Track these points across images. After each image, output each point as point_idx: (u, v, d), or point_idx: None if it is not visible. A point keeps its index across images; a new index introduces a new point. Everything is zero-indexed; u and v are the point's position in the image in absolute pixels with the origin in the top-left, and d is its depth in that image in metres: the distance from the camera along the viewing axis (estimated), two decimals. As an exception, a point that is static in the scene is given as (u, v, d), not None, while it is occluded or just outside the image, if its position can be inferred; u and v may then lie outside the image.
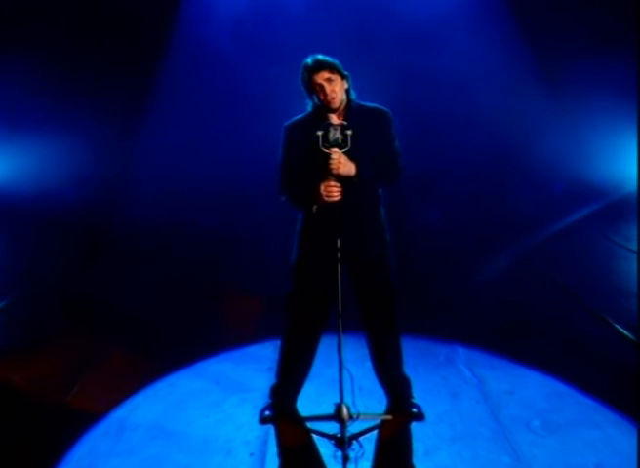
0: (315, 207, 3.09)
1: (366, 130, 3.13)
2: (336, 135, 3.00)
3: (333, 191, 2.99)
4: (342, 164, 2.99)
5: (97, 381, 3.97)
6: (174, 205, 5.54)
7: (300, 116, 3.25)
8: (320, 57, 3.13)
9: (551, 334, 4.28)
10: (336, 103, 3.10)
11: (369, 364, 3.36)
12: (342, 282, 2.99)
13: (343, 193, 3.02)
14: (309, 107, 3.23)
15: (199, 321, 4.83)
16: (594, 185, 5.26)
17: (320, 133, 3.00)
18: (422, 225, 5.44)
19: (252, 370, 4.06)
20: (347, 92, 3.17)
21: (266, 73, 5.09)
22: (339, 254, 3.00)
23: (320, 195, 3.02)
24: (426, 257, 5.45)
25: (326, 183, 3.01)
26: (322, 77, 3.07)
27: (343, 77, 3.13)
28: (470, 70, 5.20)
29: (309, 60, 3.12)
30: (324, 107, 3.12)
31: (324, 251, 3.07)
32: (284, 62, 4.89)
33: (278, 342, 3.40)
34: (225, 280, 5.59)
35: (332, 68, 3.09)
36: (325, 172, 3.00)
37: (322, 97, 3.09)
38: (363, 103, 3.24)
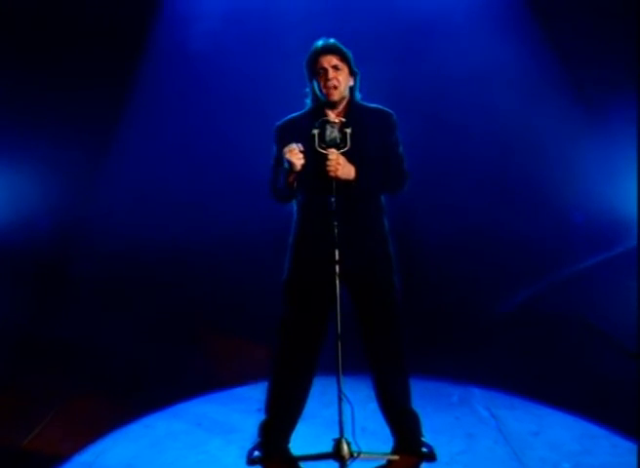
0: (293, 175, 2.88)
1: (367, 130, 2.95)
2: (333, 133, 2.82)
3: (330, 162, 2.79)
4: (341, 166, 2.80)
5: (59, 424, 3.68)
6: (152, 234, 5.21)
7: (294, 114, 3.08)
8: (332, 40, 2.98)
9: (579, 375, 4.03)
10: (335, 95, 2.92)
11: (373, 405, 3.08)
12: (342, 302, 2.78)
13: (342, 200, 2.82)
14: (307, 104, 3.06)
15: (180, 361, 4.56)
16: (623, 219, 5.04)
17: (316, 131, 2.82)
18: (429, 245, 5.14)
19: (239, 411, 3.79)
20: (352, 90, 3.01)
21: (257, 79, 4.91)
22: (337, 268, 2.78)
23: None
24: (434, 284, 5.12)
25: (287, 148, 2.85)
26: (329, 61, 2.90)
27: (352, 72, 2.98)
28: (487, 77, 4.98)
29: (320, 42, 2.96)
30: (322, 102, 2.96)
31: (320, 264, 2.85)
32: (277, 67, 4.76)
33: (265, 385, 3.11)
34: (209, 317, 5.30)
35: (342, 56, 2.93)
36: (321, 174, 2.80)
37: (322, 83, 2.91)
38: (366, 104, 3.08)
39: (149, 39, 5.19)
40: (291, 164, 2.83)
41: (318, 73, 2.95)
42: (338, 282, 2.81)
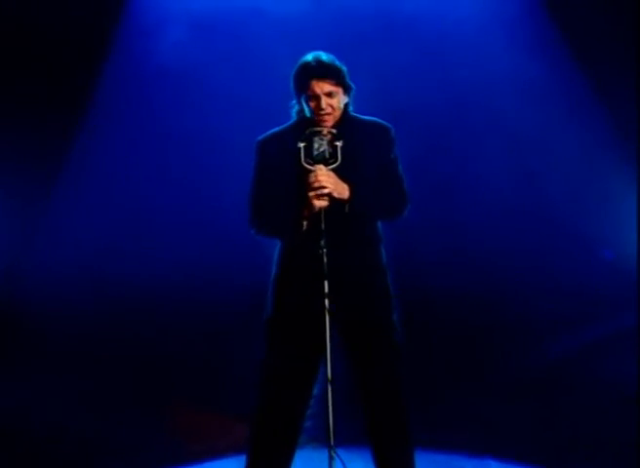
0: (305, 223, 2.65)
1: (362, 145, 2.78)
2: (322, 146, 2.63)
3: (322, 181, 2.56)
4: (333, 182, 2.58)
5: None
6: (106, 289, 4.78)
7: (278, 128, 2.90)
8: (326, 58, 2.76)
9: (612, 450, 3.77)
10: (329, 121, 2.73)
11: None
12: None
13: (333, 225, 2.60)
14: (293, 117, 2.90)
15: (142, 433, 4.27)
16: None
17: (302, 144, 2.65)
18: (434, 283, 4.69)
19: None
20: (345, 106, 2.82)
21: (234, 98, 4.61)
22: (327, 302, 2.55)
23: (308, 197, 2.58)
24: (441, 334, 4.69)
25: (314, 173, 2.59)
26: (323, 88, 2.69)
27: (346, 89, 2.79)
28: (509, 95, 4.69)
29: (312, 61, 2.74)
30: (312, 119, 2.76)
31: (307, 299, 2.65)
32: (257, 82, 4.58)
33: (244, 457, 2.85)
34: (176, 386, 4.83)
35: (338, 79, 2.73)
36: (305, 201, 2.60)
37: (315, 111, 2.73)
38: (360, 116, 2.91)
39: (108, 56, 4.83)
40: (311, 204, 2.60)
41: (309, 97, 2.75)
42: (327, 318, 2.55)
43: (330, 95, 2.71)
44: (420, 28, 4.71)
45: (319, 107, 2.70)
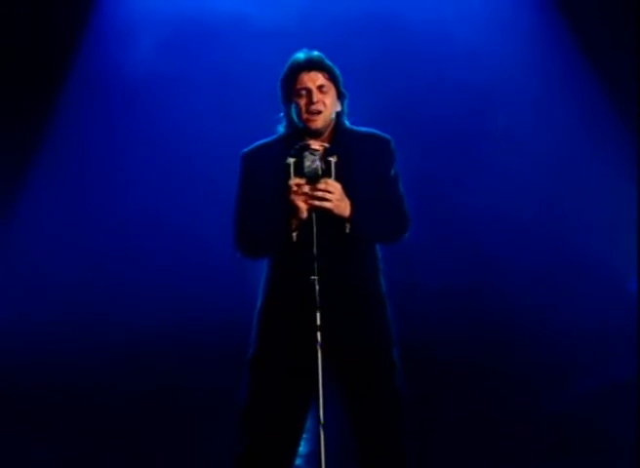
0: (295, 234, 2.46)
1: (358, 160, 2.59)
2: (314, 162, 2.41)
3: (321, 187, 2.37)
4: (339, 196, 2.40)
5: None
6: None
7: (264, 140, 2.71)
8: (316, 53, 2.63)
9: None
10: (318, 122, 2.54)
11: None
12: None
13: (326, 248, 2.42)
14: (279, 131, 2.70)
15: None
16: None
17: (292, 160, 2.43)
18: (439, 315, 4.38)
19: None
20: (338, 116, 2.65)
21: (211, 115, 4.37)
22: (319, 335, 2.36)
23: (297, 205, 2.39)
24: (447, 372, 4.38)
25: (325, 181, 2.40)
26: (313, 80, 2.54)
27: (339, 95, 2.63)
28: (513, 101, 4.50)
29: (301, 55, 2.61)
30: (300, 128, 2.58)
31: (297, 333, 2.46)
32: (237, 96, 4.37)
33: None
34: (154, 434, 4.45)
35: (330, 73, 2.58)
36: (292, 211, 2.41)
37: (302, 108, 2.54)
38: (356, 128, 2.72)
39: (73, 65, 4.56)
40: (296, 209, 2.41)
41: (298, 94, 2.57)
42: (320, 354, 2.35)
43: (321, 89, 2.55)
44: (419, 33, 4.54)
45: (310, 102, 2.53)
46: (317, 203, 2.38)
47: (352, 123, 2.72)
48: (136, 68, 4.53)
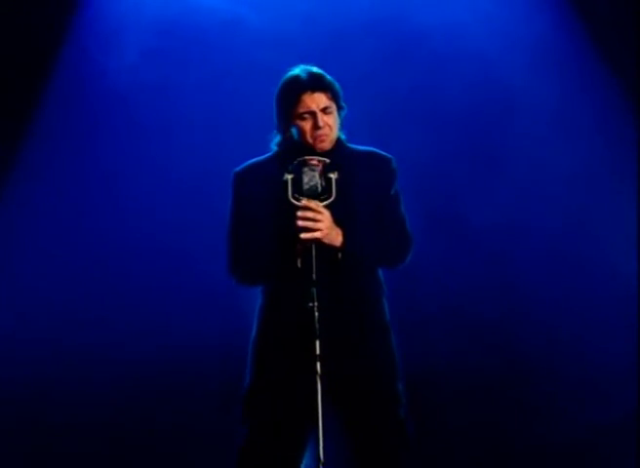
0: (300, 260, 2.37)
1: (359, 180, 2.51)
2: (314, 178, 2.34)
3: (308, 216, 2.29)
4: (328, 225, 2.32)
5: None
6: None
7: (258, 158, 2.62)
8: (317, 70, 2.53)
9: None
10: (326, 144, 2.46)
11: None
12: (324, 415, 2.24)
13: (325, 274, 2.34)
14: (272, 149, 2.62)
15: None
16: None
17: (289, 176, 2.37)
18: (446, 344, 4.13)
19: None
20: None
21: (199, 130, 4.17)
22: (318, 366, 2.27)
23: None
24: (456, 405, 4.14)
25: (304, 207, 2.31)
26: (317, 103, 2.44)
27: (339, 108, 2.54)
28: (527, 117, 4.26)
29: (301, 73, 2.50)
30: (299, 145, 2.49)
31: (294, 363, 2.37)
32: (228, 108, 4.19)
33: None
34: None
35: (332, 92, 2.49)
36: (295, 237, 2.33)
37: (307, 132, 2.45)
38: (354, 146, 2.65)
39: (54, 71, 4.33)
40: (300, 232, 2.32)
41: (301, 117, 2.47)
42: (319, 385, 2.25)
43: (326, 110, 2.46)
44: (430, 41, 4.32)
45: (315, 126, 2.43)
46: (308, 235, 2.30)
47: (360, 131, 2.70)
48: (121, 75, 4.33)
